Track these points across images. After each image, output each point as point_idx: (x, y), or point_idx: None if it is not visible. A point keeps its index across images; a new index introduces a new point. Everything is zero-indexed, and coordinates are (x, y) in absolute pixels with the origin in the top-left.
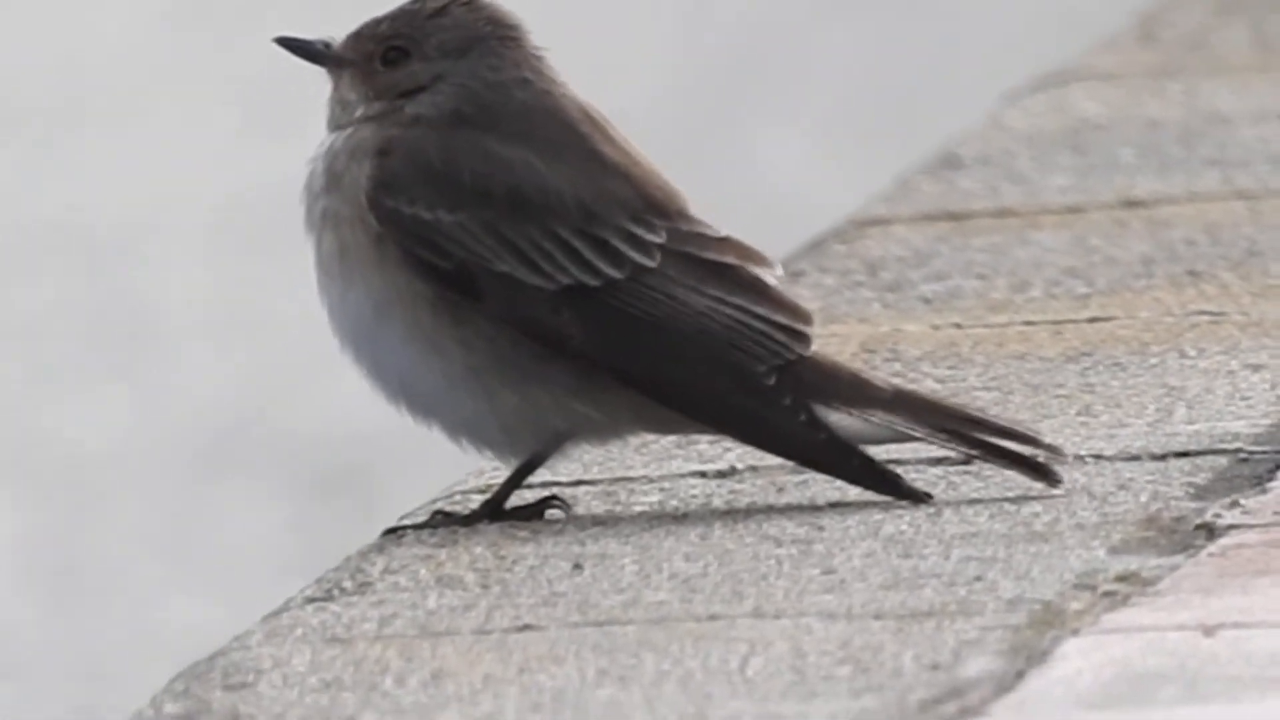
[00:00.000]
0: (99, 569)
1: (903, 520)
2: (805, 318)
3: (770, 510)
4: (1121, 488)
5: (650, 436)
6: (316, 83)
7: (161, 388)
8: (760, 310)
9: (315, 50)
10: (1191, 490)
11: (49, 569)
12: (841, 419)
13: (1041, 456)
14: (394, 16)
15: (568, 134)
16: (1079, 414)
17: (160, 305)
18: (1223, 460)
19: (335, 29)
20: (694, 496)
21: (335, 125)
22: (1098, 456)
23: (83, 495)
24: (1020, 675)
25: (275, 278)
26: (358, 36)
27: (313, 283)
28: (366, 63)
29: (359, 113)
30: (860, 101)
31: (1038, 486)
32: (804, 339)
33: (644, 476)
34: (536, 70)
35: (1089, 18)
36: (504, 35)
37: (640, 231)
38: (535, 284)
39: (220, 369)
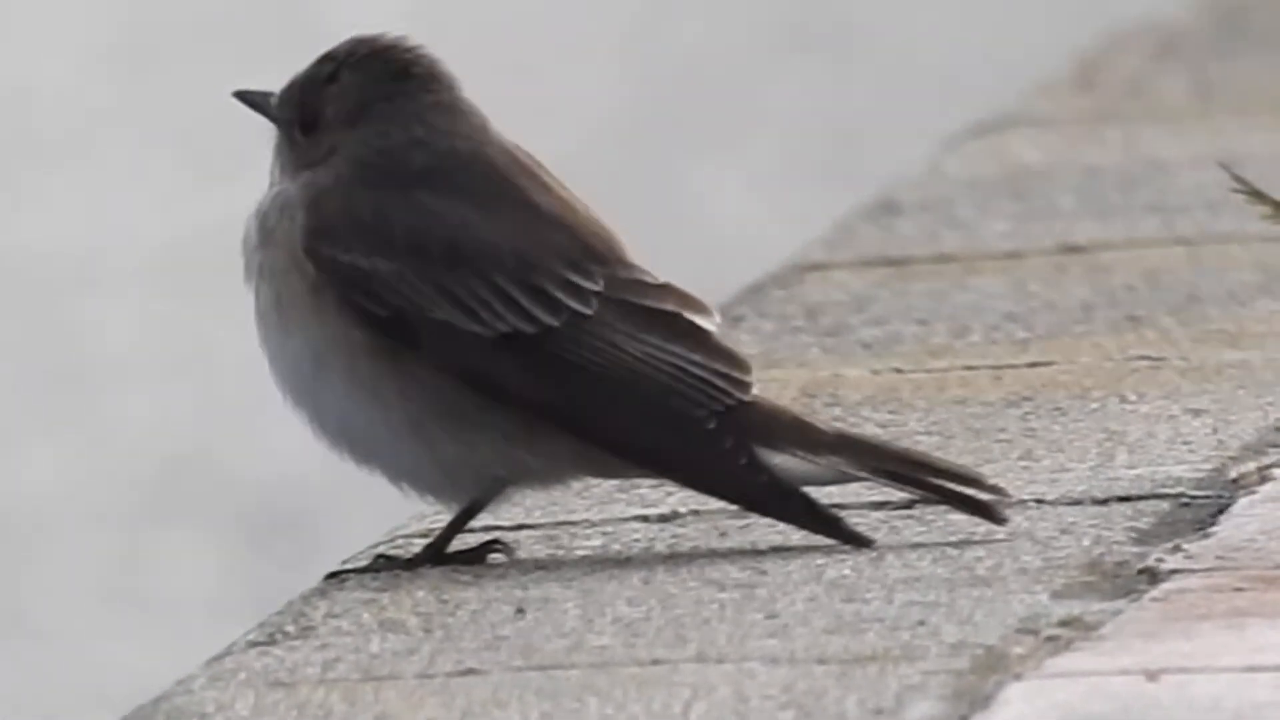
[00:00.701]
0: (39, 613)
1: (845, 565)
2: (743, 366)
3: (713, 554)
4: (1064, 532)
5: (592, 480)
6: (258, 127)
7: (101, 431)
8: (698, 358)
9: (264, 106)
10: (1134, 535)
11: None
12: (784, 461)
13: (985, 497)
14: (303, 82)
15: (500, 186)
16: (1020, 459)
17: (101, 347)
18: (1165, 505)
19: (281, 74)
20: (636, 541)
21: (271, 183)
22: (1040, 501)
23: (23, 538)
24: None
25: (216, 321)
26: (281, 99)
27: (254, 327)
28: (289, 128)
29: (280, 178)
30: (800, 146)
31: (980, 531)
32: (743, 386)
33: (586, 520)
34: (429, 122)
35: (1027, 63)
36: (393, 94)
37: (578, 279)
38: (473, 331)
39: (161, 412)
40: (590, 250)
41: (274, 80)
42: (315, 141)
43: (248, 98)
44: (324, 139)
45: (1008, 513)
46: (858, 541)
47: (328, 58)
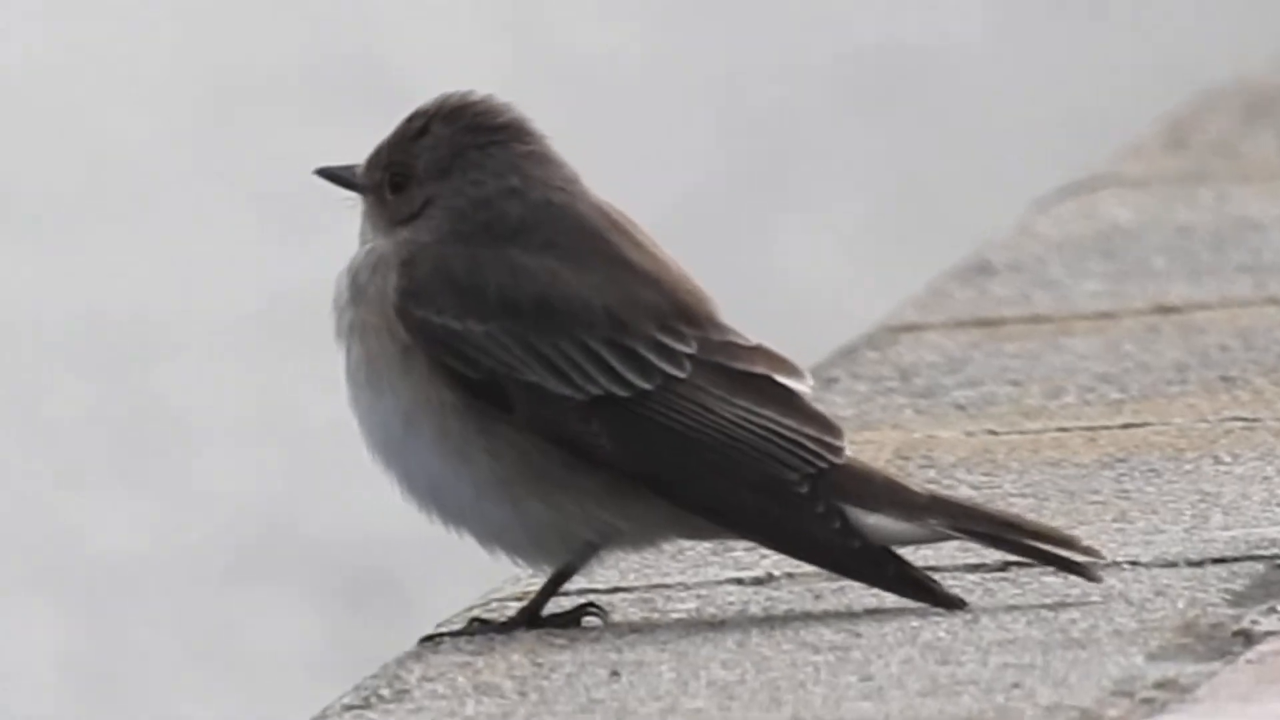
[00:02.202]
0: (133, 677)
1: (940, 627)
2: (835, 430)
3: (807, 617)
4: (1159, 594)
5: (685, 543)
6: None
7: (193, 492)
8: (790, 421)
9: (347, 179)
10: (1229, 596)
11: (83, 677)
12: (877, 524)
13: (1080, 558)
14: (391, 142)
15: (592, 240)
16: (1115, 520)
17: (190, 408)
18: (1259, 566)
19: (364, 131)
20: (731, 603)
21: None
22: (1134, 563)
23: (115, 602)
24: None
25: (306, 381)
26: (369, 164)
27: (343, 386)
28: (379, 191)
29: (372, 240)
30: (892, 207)
31: (1075, 593)
32: (835, 450)
33: (680, 583)
34: (527, 174)
35: (1117, 124)
36: (485, 144)
37: (670, 341)
38: (564, 394)
39: (253, 473)
40: (683, 310)
41: (357, 137)
42: (407, 197)
43: (331, 174)
44: (417, 192)
45: (1102, 573)
46: (952, 604)
47: (416, 114)
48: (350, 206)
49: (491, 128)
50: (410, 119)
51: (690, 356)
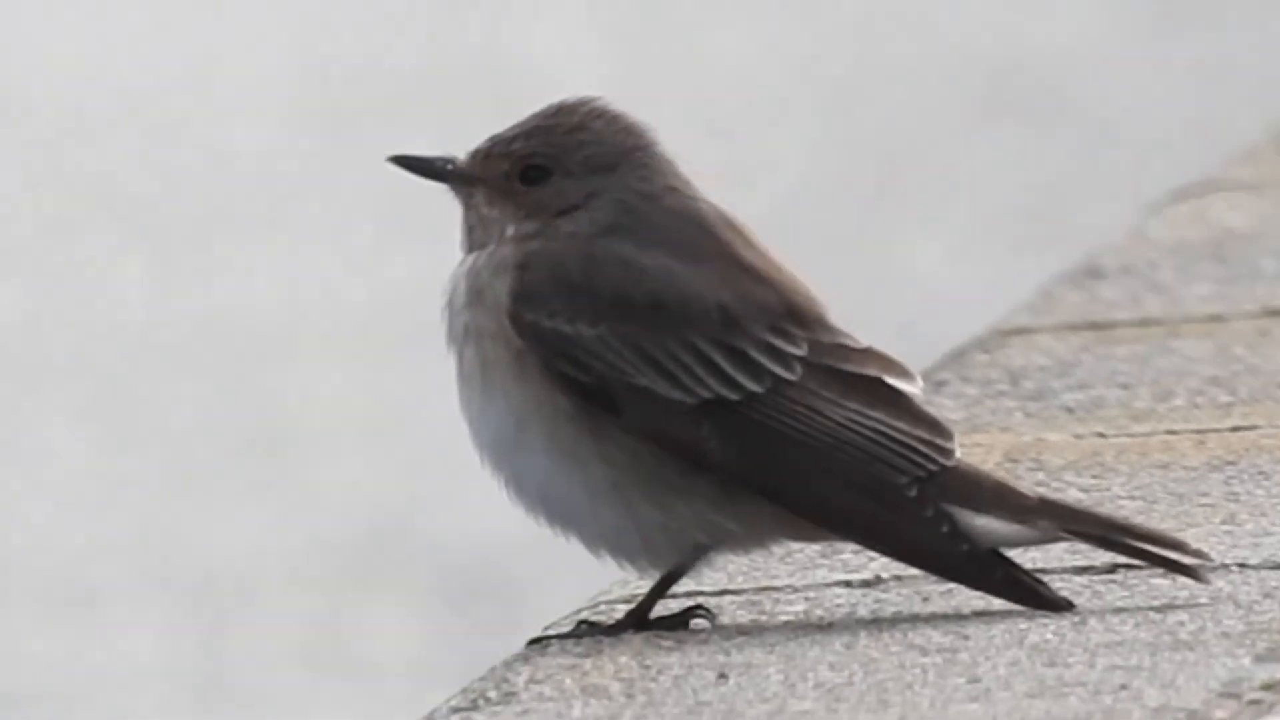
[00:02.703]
0: (244, 679)
1: (1047, 629)
2: (946, 433)
3: (915, 619)
4: (1267, 596)
5: (794, 545)
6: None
7: (304, 496)
8: (900, 424)
9: (436, 168)
10: None
11: (195, 679)
12: (986, 526)
13: (1188, 561)
14: (527, 134)
15: (708, 239)
16: (1223, 522)
17: (303, 411)
18: None
19: (473, 139)
20: (839, 605)
21: (476, 244)
22: (1242, 565)
23: (227, 604)
24: None
25: (416, 384)
26: (488, 155)
27: (454, 389)
28: (504, 181)
29: (510, 231)
30: (1001, 210)
31: (1182, 595)
32: (946, 452)
33: (789, 586)
34: (678, 177)
35: (1230, 129)
36: (645, 146)
37: (780, 343)
38: (674, 398)
39: (363, 477)
40: (794, 311)
41: (466, 142)
42: (556, 189)
43: (412, 162)
44: (571, 186)
45: (1210, 575)
46: (1058, 607)
47: (560, 112)
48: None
49: (646, 134)
50: (550, 114)
51: (800, 359)
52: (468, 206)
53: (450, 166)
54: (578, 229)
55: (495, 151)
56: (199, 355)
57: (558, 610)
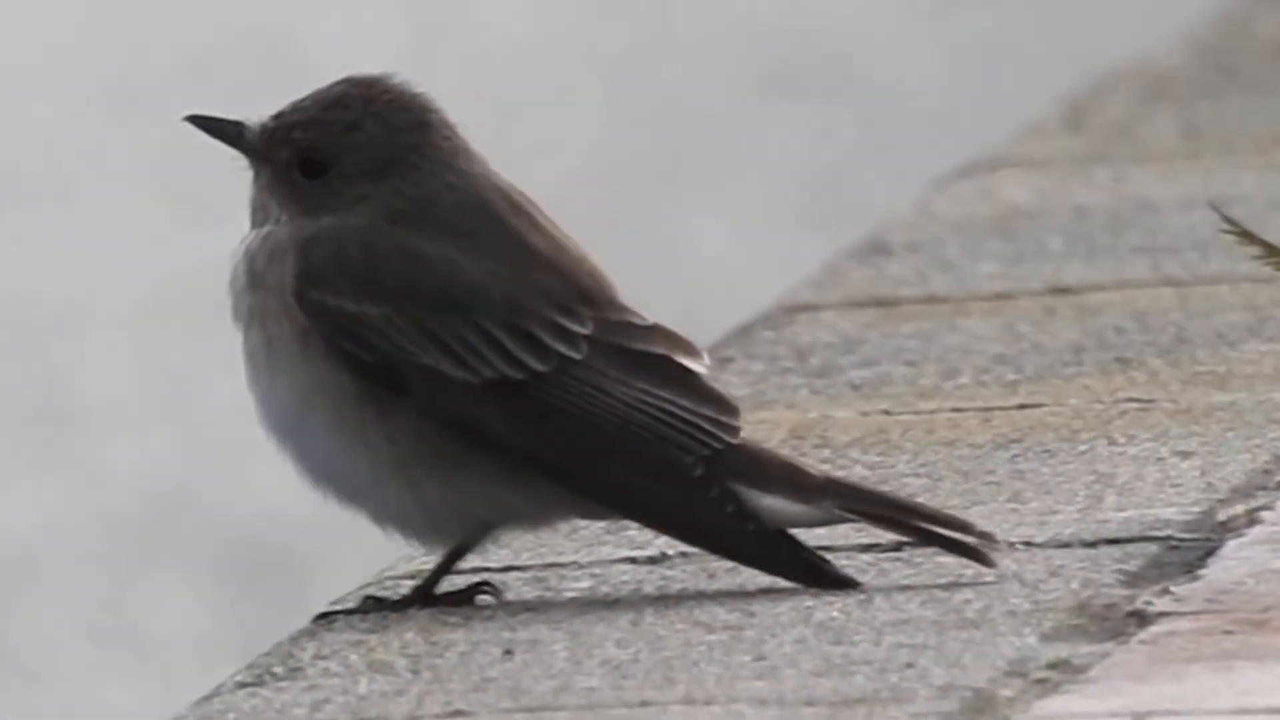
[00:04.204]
0: (28, 654)
1: (834, 607)
2: (732, 410)
3: (701, 596)
4: (1053, 574)
5: (581, 522)
6: (243, 169)
7: (88, 472)
8: (686, 402)
9: (228, 132)
10: (1123, 577)
11: None
12: (772, 504)
13: (974, 542)
14: (306, 125)
15: (493, 225)
16: (1009, 501)
17: (87, 389)
18: (1153, 547)
19: (260, 111)
20: (625, 582)
21: (255, 224)
22: (1028, 543)
23: (10, 580)
24: None
25: (202, 362)
26: (272, 136)
27: (240, 366)
28: (284, 169)
29: (282, 219)
30: (787, 187)
31: (969, 573)
32: (732, 430)
33: (574, 562)
34: (455, 168)
35: (1015, 105)
36: (420, 144)
37: (566, 322)
38: (459, 377)
39: (147, 454)
40: (581, 292)
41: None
42: (330, 189)
43: (208, 123)
44: (344, 188)
45: (996, 556)
46: (845, 585)
47: (340, 102)
48: (242, 173)
49: (422, 125)
50: (331, 105)
51: (586, 338)
52: (254, 183)
53: (237, 135)
54: (340, 224)
55: (279, 135)
56: None
57: (343, 586)
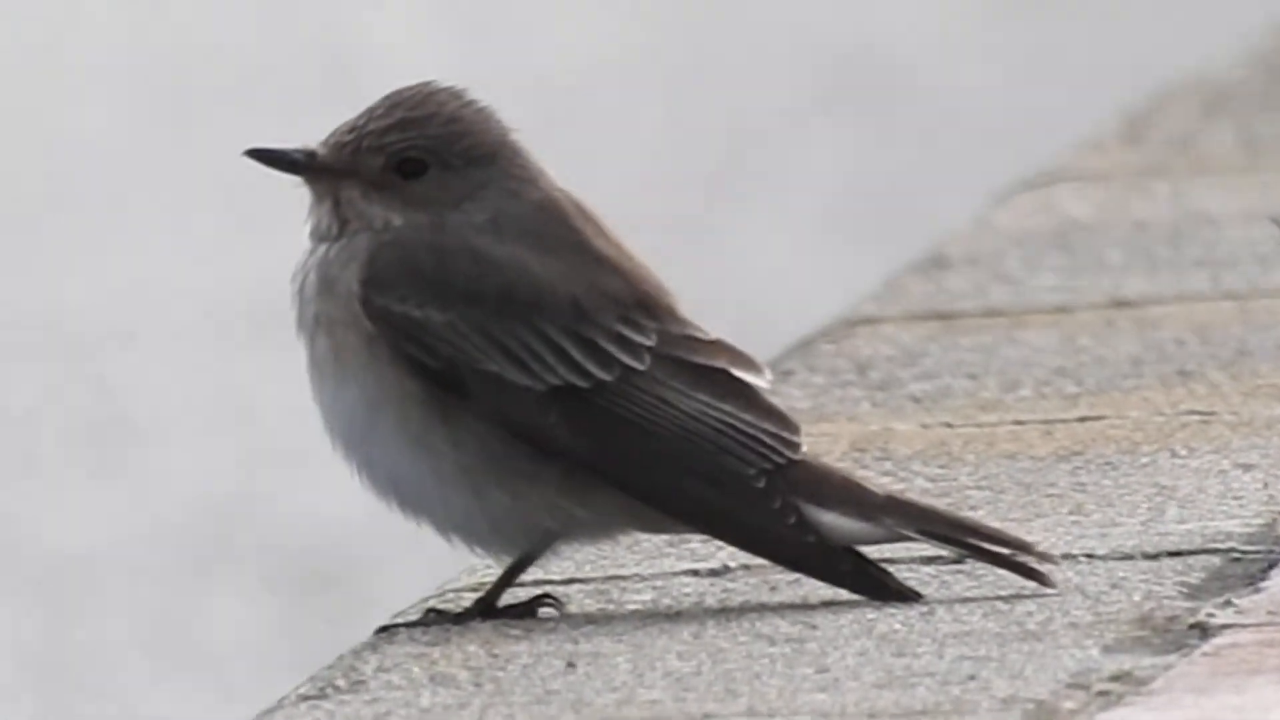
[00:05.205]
0: (90, 668)
1: (896, 619)
2: (793, 425)
3: (763, 609)
4: (1114, 587)
5: (642, 535)
6: (300, 181)
7: (149, 484)
8: (748, 416)
9: (293, 161)
10: (1185, 589)
11: (40, 668)
12: (834, 521)
13: (1033, 562)
14: (399, 125)
15: (563, 230)
16: (1071, 513)
17: (146, 402)
18: (1215, 559)
19: (316, 125)
20: (687, 595)
21: (330, 234)
22: (1090, 556)
23: (72, 594)
24: None
25: (260, 373)
26: (357, 149)
27: (301, 378)
28: (380, 175)
29: (398, 223)
30: (848, 201)
31: (1031, 586)
32: (793, 445)
33: (636, 575)
34: (529, 169)
35: (1075, 120)
36: (502, 142)
37: (630, 333)
38: (523, 384)
39: (208, 465)
40: (645, 302)
41: (319, 129)
42: (439, 182)
43: (269, 155)
44: (454, 179)
45: (1056, 576)
46: (907, 598)
47: (428, 102)
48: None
49: (499, 124)
50: (418, 105)
51: (650, 349)
52: (326, 199)
53: (308, 159)
54: (468, 219)
55: (366, 145)
56: (41, 342)
57: (405, 599)
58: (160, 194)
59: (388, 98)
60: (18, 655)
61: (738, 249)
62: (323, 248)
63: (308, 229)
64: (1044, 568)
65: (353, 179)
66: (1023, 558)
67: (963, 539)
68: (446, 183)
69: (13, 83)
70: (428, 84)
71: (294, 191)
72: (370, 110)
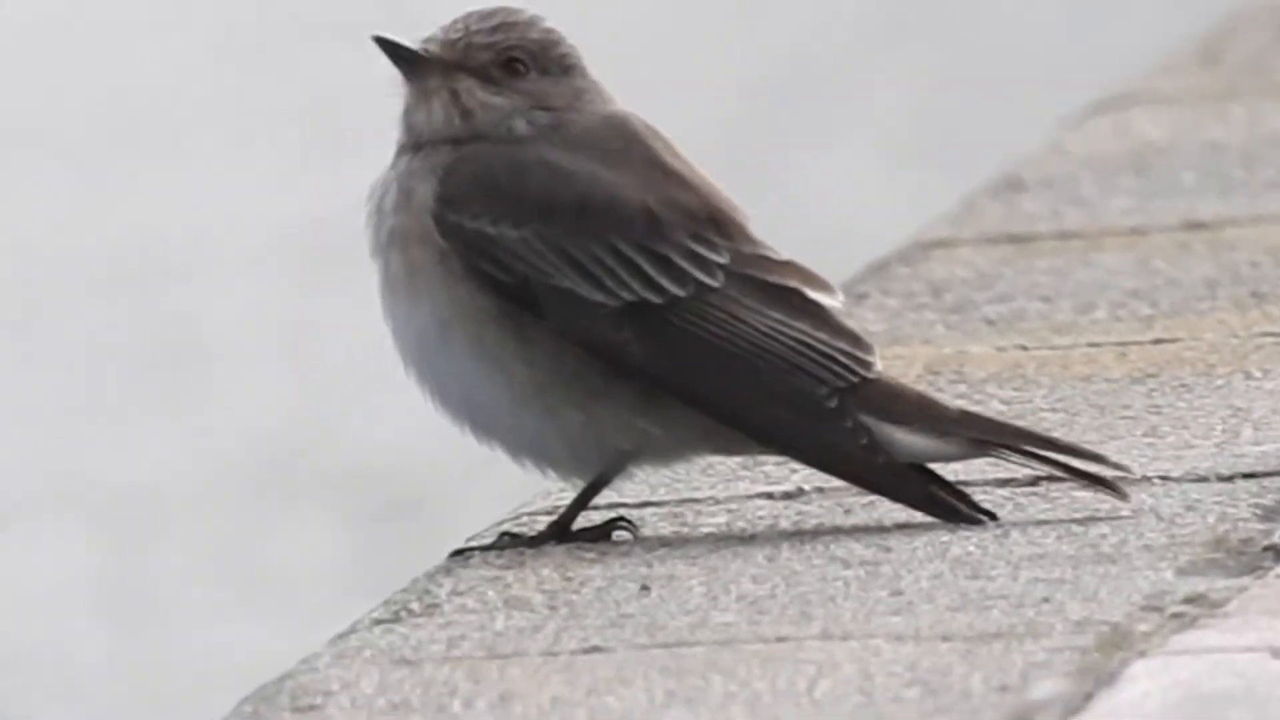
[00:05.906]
0: (164, 596)
1: (970, 542)
2: (867, 346)
3: (837, 532)
4: (1189, 509)
5: (715, 457)
6: (364, 113)
7: (220, 414)
8: (821, 335)
9: (413, 52)
10: (1259, 511)
11: (115, 598)
12: (906, 440)
13: (1109, 475)
14: (502, 28)
15: (635, 145)
16: (1145, 435)
17: (216, 333)
18: None
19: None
20: (761, 518)
21: (453, 125)
22: (1164, 478)
23: (145, 524)
24: (1088, 697)
25: (332, 303)
26: (469, 44)
27: (368, 307)
28: (488, 70)
29: (520, 123)
30: (923, 124)
31: (1105, 508)
32: (866, 365)
33: (710, 498)
34: (600, 86)
35: (1150, 42)
36: (578, 58)
37: (703, 250)
38: (597, 300)
39: (279, 394)
40: (717, 219)
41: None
42: (541, 86)
43: (389, 45)
44: (552, 85)
45: (1131, 490)
46: (976, 521)
47: (516, 12)
48: (369, 133)
49: (570, 43)
50: (512, 13)
51: (723, 267)
52: (442, 91)
53: (426, 52)
54: (583, 123)
55: (476, 41)
56: (109, 275)
57: (480, 523)
58: (226, 128)
59: (478, 10)
60: (92, 587)
61: (812, 170)
62: (404, 160)
63: (408, 126)
64: (1119, 481)
65: (466, 73)
66: (1099, 470)
67: (1036, 451)
68: (545, 87)
69: (81, 20)
70: (508, 3)
71: (359, 125)
72: (467, 16)
